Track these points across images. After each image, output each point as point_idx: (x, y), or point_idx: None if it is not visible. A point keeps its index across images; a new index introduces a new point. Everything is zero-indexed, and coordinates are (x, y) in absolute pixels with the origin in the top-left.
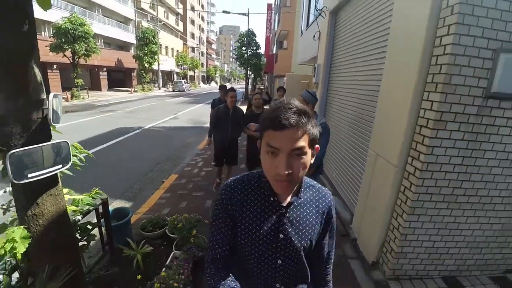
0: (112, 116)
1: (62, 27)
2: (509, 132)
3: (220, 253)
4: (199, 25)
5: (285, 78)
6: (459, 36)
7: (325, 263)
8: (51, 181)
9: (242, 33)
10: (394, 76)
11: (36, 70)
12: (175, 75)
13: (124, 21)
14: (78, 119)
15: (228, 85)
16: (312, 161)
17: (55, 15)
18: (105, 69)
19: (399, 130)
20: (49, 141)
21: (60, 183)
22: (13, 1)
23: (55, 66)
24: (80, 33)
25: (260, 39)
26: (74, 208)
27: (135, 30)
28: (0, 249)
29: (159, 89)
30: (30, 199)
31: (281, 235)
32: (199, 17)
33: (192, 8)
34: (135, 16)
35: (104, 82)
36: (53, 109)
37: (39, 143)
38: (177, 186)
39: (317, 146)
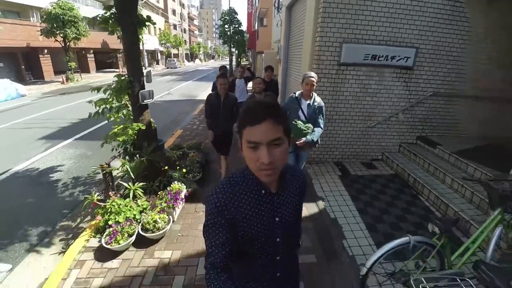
0: None
1: (53, 12)
2: (354, 81)
3: (220, 257)
4: (180, 1)
5: (263, 55)
6: (322, 37)
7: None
8: (146, 107)
9: (224, 11)
10: (304, 56)
11: (140, 61)
12: (159, 54)
13: (106, 1)
14: (88, 97)
15: (212, 62)
16: (314, 137)
17: (40, 0)
18: (91, 51)
19: None
20: (144, 89)
21: (148, 108)
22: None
23: (45, 51)
24: (69, 18)
25: (243, 15)
26: None
27: None
28: (134, 129)
29: (145, 68)
30: (141, 112)
31: (277, 219)
32: None
33: None
34: None
35: (92, 64)
36: (146, 76)
37: (143, 90)
38: (184, 135)
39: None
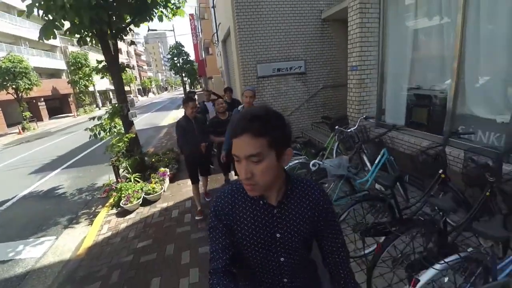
0: (78, 134)
1: (3, 66)
2: (270, 87)
3: (221, 262)
4: (124, 39)
5: (213, 79)
6: (243, 62)
7: (336, 256)
8: (132, 123)
9: (171, 46)
10: (236, 74)
11: (125, 93)
12: (110, 93)
13: (51, 49)
14: (53, 140)
15: (166, 94)
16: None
17: None
18: (42, 99)
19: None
20: (129, 111)
21: (134, 124)
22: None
23: None
24: (20, 70)
25: (189, 46)
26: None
27: (63, 56)
28: (125, 138)
29: (99, 109)
30: (130, 126)
31: (278, 234)
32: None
33: None
34: (60, 43)
35: (44, 111)
36: (130, 101)
37: (129, 111)
38: (156, 151)
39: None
